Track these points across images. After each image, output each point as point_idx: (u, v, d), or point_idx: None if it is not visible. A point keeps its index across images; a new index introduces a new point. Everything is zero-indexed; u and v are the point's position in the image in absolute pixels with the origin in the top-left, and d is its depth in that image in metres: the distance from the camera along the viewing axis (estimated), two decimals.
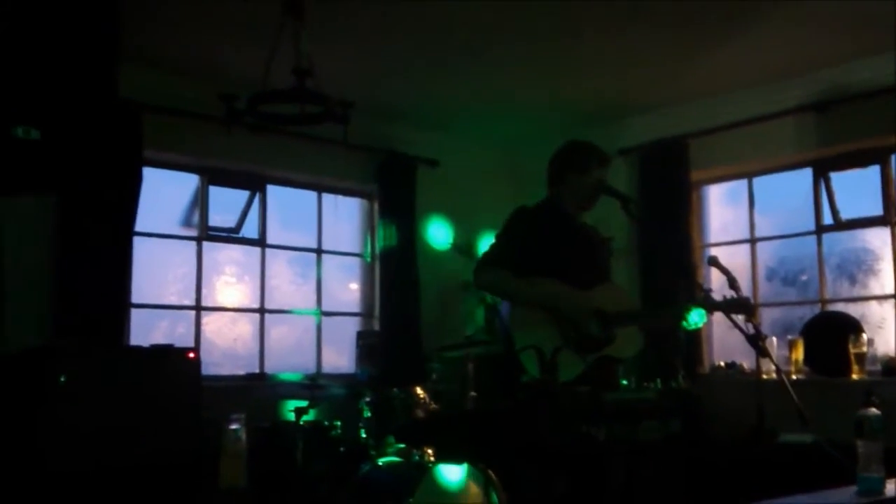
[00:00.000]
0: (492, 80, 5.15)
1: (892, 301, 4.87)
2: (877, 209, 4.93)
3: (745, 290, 3.67)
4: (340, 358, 5.83)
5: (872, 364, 4.73)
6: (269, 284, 5.56)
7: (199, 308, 5.22)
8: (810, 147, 5.08)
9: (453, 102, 5.56)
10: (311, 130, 4.58)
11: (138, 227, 4.70)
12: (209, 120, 4.48)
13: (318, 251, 5.84)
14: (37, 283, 4.34)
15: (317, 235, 5.84)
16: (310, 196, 5.85)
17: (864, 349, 4.64)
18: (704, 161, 5.51)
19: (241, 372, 5.29)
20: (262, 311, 5.51)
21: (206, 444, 4.11)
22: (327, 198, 5.92)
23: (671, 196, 5.49)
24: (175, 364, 4.14)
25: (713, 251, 5.53)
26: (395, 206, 5.82)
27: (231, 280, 5.50)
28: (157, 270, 5.16)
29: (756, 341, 3.04)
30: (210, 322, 5.34)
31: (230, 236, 5.44)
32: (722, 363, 5.33)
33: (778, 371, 3.12)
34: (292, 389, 4.77)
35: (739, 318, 3.15)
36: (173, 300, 5.21)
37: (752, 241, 5.50)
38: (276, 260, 5.67)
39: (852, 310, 4.97)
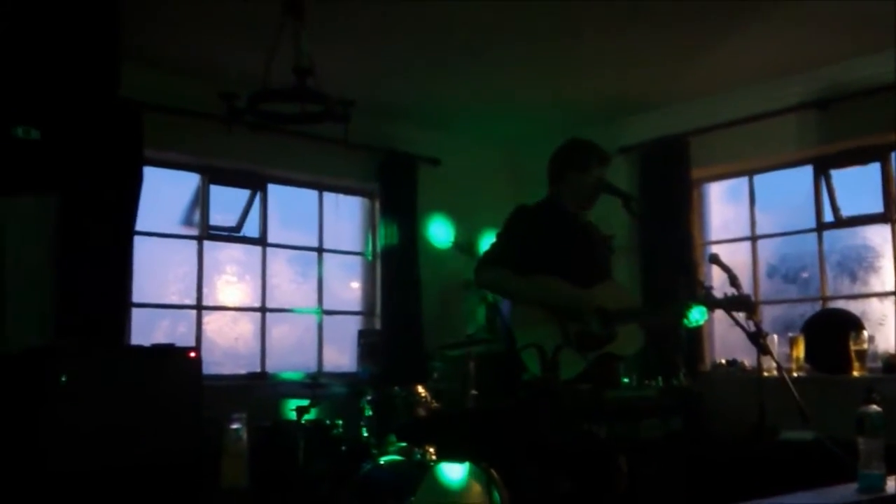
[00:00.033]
0: (492, 79, 5.15)
1: (893, 298, 4.87)
2: (877, 206, 4.93)
3: (746, 287, 3.68)
4: (342, 357, 5.84)
5: (873, 361, 4.74)
6: (270, 283, 5.56)
7: (200, 307, 5.23)
8: (811, 144, 5.08)
9: (454, 102, 5.56)
10: (312, 129, 4.59)
11: (139, 227, 4.70)
12: (210, 119, 4.48)
13: (320, 250, 5.84)
14: (38, 282, 4.35)
15: (318, 234, 5.84)
16: (311, 195, 5.85)
17: (865, 346, 4.65)
18: (705, 159, 5.51)
19: (243, 371, 5.29)
20: (263, 310, 5.51)
21: (207, 444, 4.11)
22: (328, 196, 5.93)
23: (672, 194, 5.50)
24: (176, 363, 4.15)
25: (714, 249, 5.54)
26: (397, 205, 5.82)
27: (232, 279, 5.51)
28: (158, 270, 5.17)
29: (757, 339, 3.04)
30: (211, 321, 5.35)
31: (231, 235, 5.44)
32: (723, 360, 5.33)
33: (779, 368, 3.12)
34: (293, 388, 4.78)
35: (740, 316, 3.15)
36: (174, 299, 5.22)
37: (753, 238, 5.50)
38: (276, 259, 5.67)
39: (853, 307, 4.97)
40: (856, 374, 4.61)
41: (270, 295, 5.55)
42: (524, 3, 4.05)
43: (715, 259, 3.33)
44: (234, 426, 4.19)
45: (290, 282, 5.78)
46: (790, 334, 4.98)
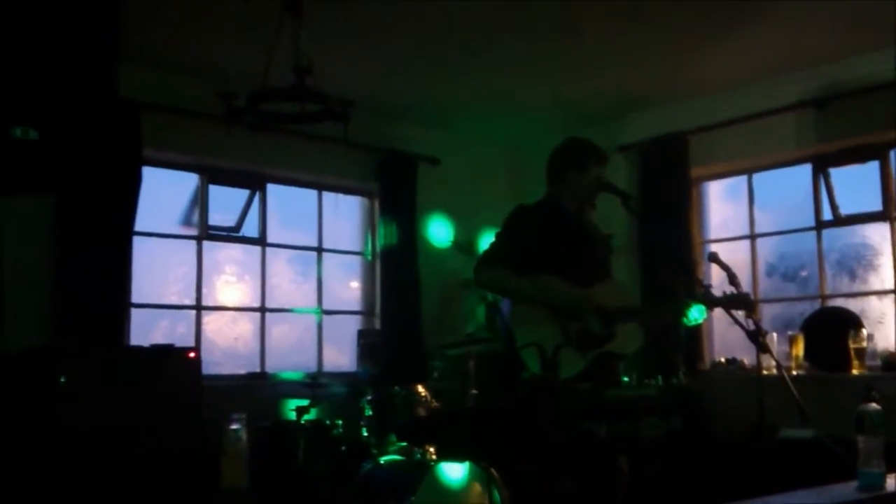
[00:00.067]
0: (492, 79, 5.15)
1: (892, 296, 4.88)
2: (876, 205, 4.93)
3: (745, 285, 3.68)
4: (341, 356, 5.83)
5: (872, 359, 4.74)
6: (269, 283, 5.56)
7: (199, 307, 5.22)
8: (810, 143, 5.08)
9: (454, 101, 5.56)
10: (312, 129, 4.58)
11: (138, 227, 4.70)
12: (209, 119, 4.48)
13: (319, 250, 5.84)
14: (37, 283, 4.35)
15: (317, 234, 5.84)
16: (310, 194, 5.85)
17: (864, 344, 4.65)
18: (704, 157, 5.51)
19: (242, 371, 5.29)
20: (262, 310, 5.51)
21: (206, 444, 4.10)
22: (328, 196, 5.92)
23: (671, 192, 5.50)
24: (175, 364, 4.14)
25: (713, 247, 5.54)
26: (396, 204, 5.82)
27: (231, 279, 5.51)
28: (158, 270, 5.16)
29: (756, 337, 3.04)
30: (210, 321, 5.34)
31: (230, 235, 5.44)
32: (722, 359, 5.33)
33: (778, 367, 3.12)
34: (293, 388, 4.78)
35: (740, 314, 3.15)
36: (173, 300, 5.21)
37: (752, 237, 5.50)
38: (276, 259, 5.67)
39: (852, 305, 4.98)
40: (855, 372, 4.61)
41: (270, 295, 5.55)
42: (524, 3, 4.05)
43: (714, 257, 3.33)
44: (234, 426, 4.17)
45: (289, 282, 5.78)
46: (789, 333, 4.98)
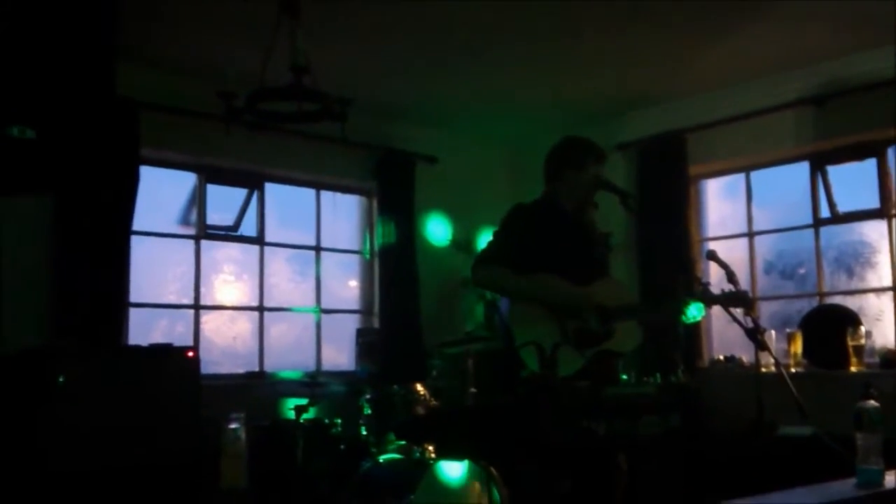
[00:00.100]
0: (492, 79, 5.15)
1: (890, 293, 4.88)
2: (874, 202, 4.94)
3: (744, 283, 3.69)
4: (340, 355, 5.83)
5: (870, 356, 4.75)
6: (267, 282, 5.56)
7: (197, 307, 5.22)
8: (808, 140, 5.08)
9: (453, 101, 5.56)
10: (310, 128, 4.57)
11: (136, 226, 4.70)
12: (207, 118, 4.48)
13: (317, 249, 5.84)
14: (35, 282, 4.34)
15: (315, 233, 5.84)
16: (308, 193, 5.84)
17: (863, 341, 4.65)
18: (702, 155, 5.51)
19: (241, 370, 5.28)
20: (261, 309, 5.51)
21: (205, 444, 4.11)
22: (326, 195, 5.92)
23: (669, 190, 5.50)
24: (174, 363, 4.14)
25: (711, 245, 5.55)
26: (394, 203, 5.81)
27: (230, 278, 5.50)
28: (156, 269, 5.16)
29: (755, 335, 3.04)
30: (209, 321, 5.34)
31: (228, 234, 5.43)
32: (721, 357, 5.34)
33: (777, 364, 3.12)
34: (292, 387, 4.78)
35: (738, 312, 3.16)
36: (172, 299, 5.21)
37: (750, 234, 5.51)
38: (274, 258, 5.66)
39: (850, 302, 4.98)
40: (853, 369, 4.62)
41: (268, 294, 5.55)
42: (524, 3, 4.05)
43: (712, 255, 3.33)
44: (233, 426, 4.19)
45: (288, 281, 5.78)
46: (788, 330, 4.98)
